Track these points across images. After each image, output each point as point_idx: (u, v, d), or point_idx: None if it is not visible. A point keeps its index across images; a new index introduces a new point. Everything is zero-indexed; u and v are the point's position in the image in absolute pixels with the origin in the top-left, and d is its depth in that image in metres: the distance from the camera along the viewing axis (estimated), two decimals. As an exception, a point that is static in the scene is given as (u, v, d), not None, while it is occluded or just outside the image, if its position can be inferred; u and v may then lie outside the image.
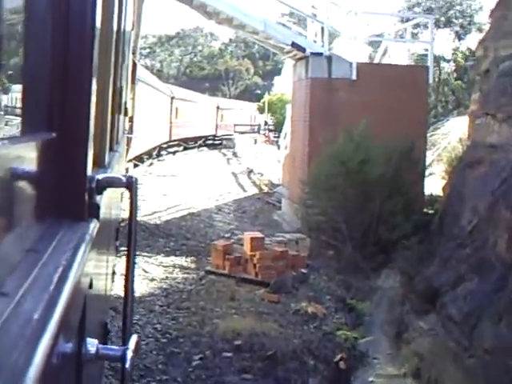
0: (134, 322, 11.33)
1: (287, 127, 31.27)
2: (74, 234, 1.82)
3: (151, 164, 39.80)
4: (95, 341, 2.16)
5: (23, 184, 1.50)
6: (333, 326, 13.04)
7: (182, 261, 16.25)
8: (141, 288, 13.23)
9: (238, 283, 14.08)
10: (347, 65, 21.70)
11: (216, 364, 9.91)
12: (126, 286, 2.61)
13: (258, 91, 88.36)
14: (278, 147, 42.41)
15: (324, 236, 19.13)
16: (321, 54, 21.66)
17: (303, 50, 21.47)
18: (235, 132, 66.95)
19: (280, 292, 13.76)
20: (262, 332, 11.11)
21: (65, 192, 1.93)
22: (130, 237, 2.56)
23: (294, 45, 21.41)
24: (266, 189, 32.57)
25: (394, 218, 18.56)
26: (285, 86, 77.93)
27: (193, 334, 10.95)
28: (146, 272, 14.66)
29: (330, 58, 21.69)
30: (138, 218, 3.07)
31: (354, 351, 12.80)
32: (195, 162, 43.58)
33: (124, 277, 2.63)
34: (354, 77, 21.58)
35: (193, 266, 15.82)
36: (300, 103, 22.98)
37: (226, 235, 20.00)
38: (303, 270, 15.07)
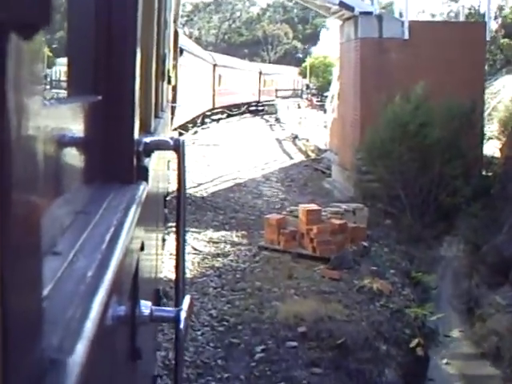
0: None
1: (334, 90, 30.08)
2: (124, 196, 1.82)
3: (195, 132, 39.18)
4: (149, 303, 2.16)
5: (72, 147, 1.49)
6: (400, 304, 12.07)
7: (232, 236, 15.33)
8: (192, 268, 12.34)
9: (295, 259, 13.12)
10: (399, 24, 20.46)
11: (281, 356, 8.95)
12: (177, 247, 2.55)
13: (299, 55, 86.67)
14: (325, 111, 41.25)
15: (381, 204, 18.11)
16: (370, 13, 20.43)
17: (352, 8, 20.26)
18: (277, 97, 65.73)
19: (341, 268, 12.78)
20: (326, 315, 10.15)
21: (113, 155, 1.93)
22: (180, 197, 2.54)
23: (341, 4, 20.20)
24: (312, 155, 31.51)
25: (455, 183, 17.46)
26: (327, 48, 76.61)
27: (252, 320, 10.03)
28: (195, 250, 13.77)
29: (380, 17, 20.46)
30: None
31: (424, 329, 11.86)
32: (238, 129, 42.64)
33: (175, 236, 2.57)
34: (406, 36, 20.33)
35: (244, 241, 14.89)
36: (349, 65, 21.82)
37: (276, 206, 19.05)
38: (364, 243, 14.05)
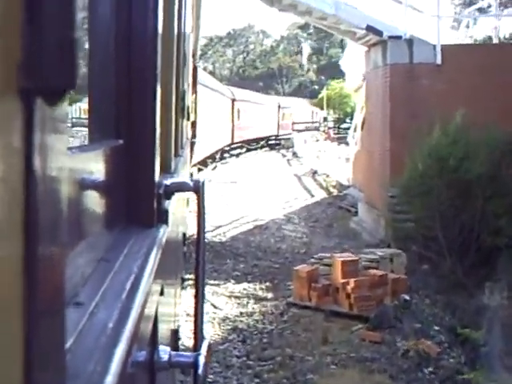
0: (207, 382, 8.84)
1: (357, 121, 28.55)
2: (144, 240, 1.82)
3: (215, 167, 38.83)
4: (167, 348, 2.19)
5: (93, 192, 1.51)
6: (450, 368, 10.41)
7: (256, 288, 13.71)
8: (212, 331, 10.72)
9: (328, 318, 11.49)
10: (430, 48, 18.90)
11: None
12: (196, 290, 2.53)
13: (315, 86, 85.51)
14: (346, 144, 39.75)
15: (415, 247, 16.47)
16: (400, 37, 18.92)
17: (380, 33, 18.74)
18: (293, 130, 64.41)
19: (381, 327, 11.15)
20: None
21: (134, 199, 1.96)
22: (199, 243, 2.54)
23: (369, 28, 18.68)
24: (334, 191, 29.90)
25: (498, 222, 15.82)
26: (347, 79, 75.25)
27: (286, 402, 8.42)
28: (215, 308, 12.17)
29: (410, 41, 18.92)
30: None
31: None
32: (255, 165, 41.15)
33: (194, 279, 2.57)
34: (438, 61, 18.78)
35: (270, 295, 13.27)
36: (377, 94, 20.29)
37: (301, 251, 17.45)
38: (405, 297, 12.41)
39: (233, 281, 14.21)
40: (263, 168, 38.87)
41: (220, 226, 20.48)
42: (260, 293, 13.39)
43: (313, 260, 14.72)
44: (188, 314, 10.00)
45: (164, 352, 2.12)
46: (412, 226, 16.76)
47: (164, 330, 2.48)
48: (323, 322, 11.34)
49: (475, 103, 17.26)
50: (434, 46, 18.87)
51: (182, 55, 4.87)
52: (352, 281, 11.34)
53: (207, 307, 12.03)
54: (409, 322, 11.67)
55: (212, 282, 13.93)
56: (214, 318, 11.48)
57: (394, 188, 18.25)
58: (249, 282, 14.23)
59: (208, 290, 13.06)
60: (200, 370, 2.17)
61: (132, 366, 1.33)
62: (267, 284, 14.04)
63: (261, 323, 11.43)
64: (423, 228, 16.26)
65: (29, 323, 0.67)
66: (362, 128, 26.93)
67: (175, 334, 3.82)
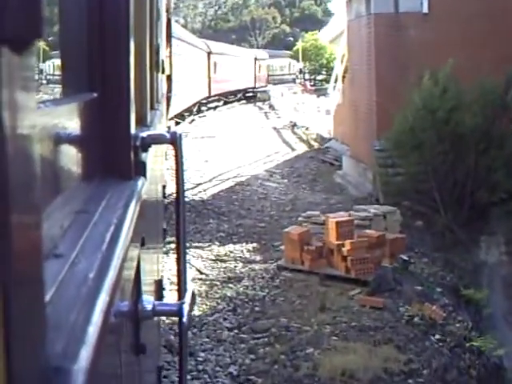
0: (198, 362, 8.09)
1: (338, 72, 27.61)
2: (123, 192, 1.82)
3: (192, 121, 38.18)
4: (151, 298, 2.22)
5: (68, 146, 1.48)
6: (458, 334, 9.74)
7: (242, 250, 12.90)
8: (199, 301, 9.91)
9: (323, 282, 10.73)
10: (417, -5, 18.02)
11: None
12: (177, 239, 2.52)
13: (290, 38, 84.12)
14: (324, 95, 38.83)
15: (409, 202, 15.73)
16: (384, -15, 17.99)
17: (364, -21, 17.78)
18: (268, 83, 63.26)
19: (381, 291, 10.42)
20: (381, 368, 7.77)
21: (110, 151, 1.93)
22: (179, 193, 2.55)
23: (353, -26, 17.71)
24: (315, 144, 29.08)
25: (494, 176, 15.10)
26: (322, 30, 73.91)
27: (286, 381, 7.63)
28: (201, 273, 11.36)
29: (395, -11, 17.99)
30: None
31: (489, 361, 9.59)
32: (232, 118, 40.13)
33: (175, 228, 2.52)
34: (425, 9, 17.89)
35: (258, 257, 12.48)
36: (360, 45, 19.36)
37: (287, 208, 16.64)
38: (403, 257, 11.67)
39: (217, 242, 13.40)
40: (241, 121, 37.93)
41: (200, 184, 19.62)
42: (247, 255, 12.59)
43: (301, 219, 13.94)
44: (172, 283, 9.22)
45: (148, 302, 2.14)
46: (402, 180, 16.05)
47: (147, 280, 2.50)
48: (318, 287, 10.59)
49: (465, 53, 16.42)
50: (421, -7, 17.99)
51: (156, 9, 4.80)
52: (348, 242, 10.55)
53: (192, 273, 11.22)
54: (409, 284, 10.98)
55: (196, 244, 13.13)
56: (200, 286, 10.67)
57: (382, 141, 17.49)
58: (234, 243, 13.43)
59: (192, 253, 12.27)
60: (184, 318, 2.19)
61: (115, 316, 1.33)
62: (254, 245, 13.25)
63: (251, 289, 10.64)
64: (415, 182, 15.54)
65: (6, 275, 0.66)
66: (343, 80, 26.04)
67: (159, 284, 3.86)
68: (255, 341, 8.76)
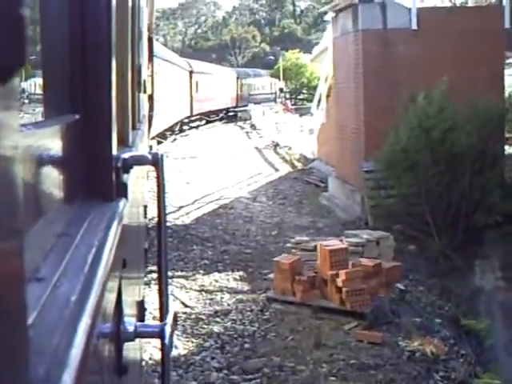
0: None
1: (321, 91, 27.05)
2: (104, 214, 1.81)
3: (174, 140, 38.29)
4: (133, 319, 2.32)
5: (51, 168, 1.48)
6: (462, 371, 9.06)
7: (229, 279, 12.19)
8: (185, 338, 9.19)
9: (317, 315, 10.05)
10: (405, 12, 17.47)
11: None
12: (159, 261, 2.49)
13: (271, 57, 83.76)
14: (305, 115, 38.28)
15: (400, 225, 15.10)
16: (372, 1, 17.41)
17: (351, -4, 17.23)
18: (249, 102, 62.70)
19: (378, 324, 9.75)
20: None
21: (92, 173, 1.93)
22: (160, 215, 2.52)
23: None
24: (299, 165, 28.43)
25: (490, 197, 14.53)
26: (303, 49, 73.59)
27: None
28: (186, 306, 10.63)
29: (383, 5, 17.44)
30: None
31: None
32: (213, 138, 39.45)
33: (157, 253, 2.49)
34: (414, 26, 17.36)
35: (245, 287, 11.77)
36: (347, 62, 18.79)
37: (273, 233, 15.96)
38: (400, 286, 11.03)
39: (202, 271, 12.67)
40: (222, 141, 37.29)
41: (182, 207, 18.92)
42: (234, 285, 11.88)
43: (290, 245, 13.28)
44: (154, 317, 8.49)
45: (129, 323, 2.15)
46: (393, 202, 15.45)
47: (129, 301, 2.53)
48: (312, 320, 9.90)
49: (457, 69, 15.93)
50: (410, 10, 17.46)
51: (138, 28, 4.75)
52: (343, 273, 9.85)
53: (176, 306, 10.49)
54: (407, 316, 10.32)
55: (179, 273, 12.41)
56: (184, 320, 9.94)
57: (370, 162, 16.89)
58: (220, 271, 12.71)
59: (175, 283, 11.57)
60: (166, 340, 2.18)
61: (97, 338, 1.33)
62: (241, 273, 12.55)
63: (239, 323, 9.91)
64: (407, 205, 14.94)
65: None
66: (327, 99, 25.49)
67: (141, 305, 3.85)
68: (246, 383, 8.04)
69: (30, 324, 0.92)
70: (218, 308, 10.57)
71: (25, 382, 0.81)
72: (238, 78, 61.56)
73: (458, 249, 14.35)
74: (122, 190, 2.19)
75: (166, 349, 2.24)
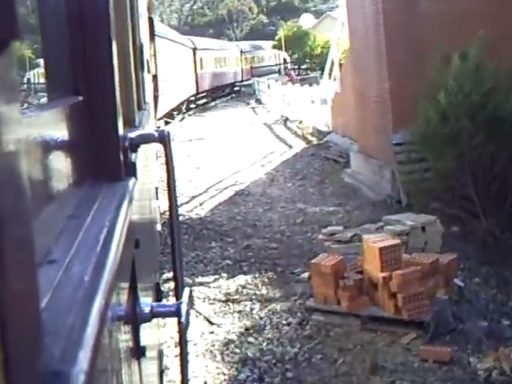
0: None
1: (334, 58, 25.29)
2: (114, 194, 1.81)
3: (182, 119, 37.87)
4: (149, 299, 2.39)
5: (57, 151, 1.48)
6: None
7: (256, 283, 10.57)
8: (213, 368, 7.60)
9: (366, 326, 8.44)
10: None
11: None
12: (172, 238, 2.51)
13: (272, 27, 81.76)
14: (310, 85, 36.62)
15: (440, 204, 13.46)
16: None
17: None
18: (252, 76, 60.98)
19: (441, 333, 8.14)
20: None
21: (99, 154, 1.93)
22: (171, 197, 2.53)
23: None
24: (314, 139, 26.72)
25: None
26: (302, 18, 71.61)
27: None
28: (211, 324, 9.02)
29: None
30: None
31: None
32: (218, 117, 37.81)
33: (169, 230, 2.53)
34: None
35: (277, 292, 10.15)
36: (364, 25, 17.07)
37: (298, 220, 14.35)
38: (458, 282, 9.40)
39: (225, 274, 11.07)
40: (228, 119, 35.72)
41: (195, 197, 17.31)
42: (264, 291, 10.26)
43: (322, 237, 11.68)
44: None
45: (145, 304, 2.15)
46: (429, 177, 13.83)
47: (144, 282, 2.56)
48: (362, 334, 8.29)
49: (493, 25, 14.13)
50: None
51: (137, 8, 4.68)
52: (398, 275, 8.20)
53: (200, 323, 8.91)
54: (471, 320, 8.68)
55: (199, 279, 10.84)
56: (212, 343, 8.34)
57: (399, 134, 15.25)
58: (245, 273, 11.10)
59: (197, 293, 10.01)
60: (183, 318, 2.18)
61: (112, 318, 1.33)
62: (269, 274, 10.94)
63: (277, 343, 8.29)
64: (447, 180, 13.26)
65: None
66: (341, 66, 23.77)
67: (157, 286, 3.76)
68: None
69: (43, 306, 0.94)
70: (248, 323, 8.95)
71: (40, 364, 0.81)
72: (241, 52, 60.75)
73: (506, 228, 12.70)
74: (131, 170, 2.15)
75: (182, 327, 2.21)
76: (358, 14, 17.73)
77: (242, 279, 10.78)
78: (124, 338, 1.68)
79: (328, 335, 8.37)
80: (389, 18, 15.53)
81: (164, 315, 2.34)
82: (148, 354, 2.28)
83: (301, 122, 31.58)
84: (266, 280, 10.66)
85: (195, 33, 74.07)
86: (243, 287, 10.39)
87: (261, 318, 9.09)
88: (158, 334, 3.69)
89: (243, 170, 20.89)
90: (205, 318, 9.07)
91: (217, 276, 10.99)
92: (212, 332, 8.70)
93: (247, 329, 8.75)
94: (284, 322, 8.85)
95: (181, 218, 14.41)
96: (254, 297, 9.94)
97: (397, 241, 8.70)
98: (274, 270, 11.09)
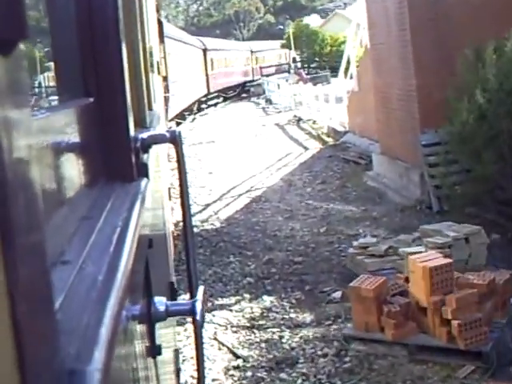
0: None
1: (351, 55, 24.20)
2: (126, 195, 1.81)
3: (194, 119, 37.61)
4: (163, 298, 2.21)
5: (69, 153, 1.48)
6: None
7: (284, 306, 9.48)
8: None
9: (414, 357, 7.35)
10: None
11: None
12: (185, 236, 2.55)
13: (280, 26, 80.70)
14: (321, 84, 35.63)
15: (477, 210, 12.38)
16: None
17: None
18: (262, 75, 60.04)
19: (502, 364, 7.06)
20: None
21: (111, 155, 1.93)
22: (183, 195, 2.57)
23: None
24: (330, 140, 25.63)
25: None
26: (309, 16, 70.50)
27: None
28: (236, 357, 7.92)
29: None
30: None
31: None
32: (227, 118, 36.80)
33: (182, 228, 2.58)
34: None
35: (308, 316, 9.04)
36: (386, 18, 15.99)
37: (321, 230, 13.27)
38: (515, 302, 8.29)
39: (247, 295, 10.00)
40: (238, 120, 34.67)
41: (209, 205, 16.26)
42: (292, 313, 9.17)
43: (353, 251, 10.61)
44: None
45: (160, 303, 2.15)
46: (463, 180, 12.78)
47: (158, 282, 2.58)
48: (411, 366, 7.20)
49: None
50: None
51: (145, 11, 4.65)
52: (452, 299, 7.08)
53: (223, 357, 7.84)
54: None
55: (219, 301, 9.76)
56: (239, 381, 7.26)
57: (429, 134, 14.19)
58: (269, 293, 10.03)
59: (218, 318, 8.98)
60: (198, 316, 2.18)
61: (127, 317, 1.33)
62: (297, 294, 9.86)
63: (314, 380, 7.19)
64: (484, 183, 12.17)
65: (13, 286, 0.67)
66: (358, 63, 22.69)
67: (171, 285, 3.73)
68: None
69: (58, 306, 0.93)
70: (279, 355, 7.85)
71: (56, 363, 0.81)
72: (252, 52, 60.75)
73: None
74: (143, 170, 2.15)
75: (198, 325, 2.22)
76: (378, 8, 16.64)
77: (266, 300, 9.70)
78: (139, 336, 1.66)
79: (371, 368, 7.29)
80: (415, 10, 14.44)
81: (179, 314, 2.33)
82: (164, 352, 2.30)
83: (314, 122, 30.57)
84: (294, 301, 9.58)
85: (202, 33, 73.31)
86: (269, 310, 9.31)
87: (292, 349, 8.00)
88: (173, 332, 3.65)
89: (258, 175, 19.83)
90: (229, 350, 7.99)
91: (238, 297, 9.91)
92: (238, 367, 7.62)
93: (278, 362, 7.66)
94: (319, 353, 7.76)
95: (195, 229, 13.37)
96: (281, 322, 8.85)
97: (449, 260, 7.59)
98: (302, 289, 10.01)
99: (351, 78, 23.91)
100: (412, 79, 14.68)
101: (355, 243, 10.71)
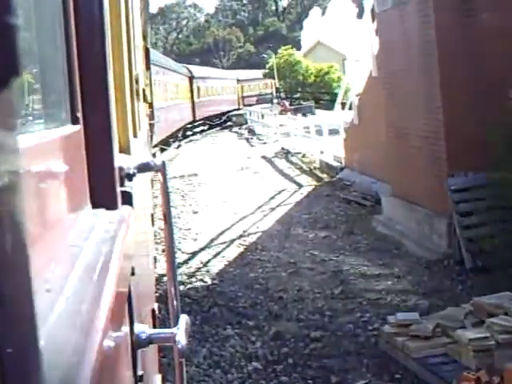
0: None
1: (351, 84, 22.08)
2: (110, 223, 1.80)
3: (179, 146, 37.06)
4: (145, 326, 2.22)
5: (54, 180, 1.48)
6: None
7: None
8: None
9: None
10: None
11: None
12: (168, 267, 2.58)
13: (264, 55, 78.89)
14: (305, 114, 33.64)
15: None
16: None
17: None
18: (244, 105, 58.09)
19: None
20: None
21: (95, 183, 1.91)
22: (166, 221, 2.56)
23: None
24: (324, 176, 23.47)
25: None
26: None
27: None
28: None
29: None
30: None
31: None
32: (210, 149, 34.59)
33: (166, 258, 2.60)
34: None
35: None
36: (404, 41, 13.87)
37: (336, 291, 11.00)
38: None
39: (255, 387, 7.67)
40: (222, 151, 32.47)
41: (196, 253, 13.92)
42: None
43: (389, 330, 8.33)
44: None
45: (142, 331, 2.14)
46: (505, 232, 10.73)
47: (141, 309, 2.57)
48: None
49: None
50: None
51: (132, 39, 4.62)
52: None
53: None
54: None
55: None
56: None
57: (459, 178, 12.09)
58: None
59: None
60: (180, 345, 2.18)
61: (110, 346, 1.32)
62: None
63: None
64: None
65: None
66: (360, 93, 20.58)
67: (153, 313, 3.78)
68: None
69: (40, 336, 0.89)
70: None
71: None
72: (238, 81, 60.31)
73: None
74: (127, 198, 2.16)
75: (180, 353, 2.21)
76: (395, 30, 14.47)
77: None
78: (121, 364, 1.66)
79: None
80: (442, 32, 12.32)
81: (161, 341, 2.31)
82: (147, 379, 2.31)
83: (304, 155, 28.46)
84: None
85: (181, 61, 71.61)
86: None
87: None
88: (155, 359, 3.63)
89: (250, 216, 17.55)
90: None
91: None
92: None
93: None
94: None
95: (182, 287, 11.05)
96: None
97: None
98: (327, 381, 7.69)
99: (350, 109, 21.85)
100: (439, 114, 12.53)
101: (391, 319, 8.41)
